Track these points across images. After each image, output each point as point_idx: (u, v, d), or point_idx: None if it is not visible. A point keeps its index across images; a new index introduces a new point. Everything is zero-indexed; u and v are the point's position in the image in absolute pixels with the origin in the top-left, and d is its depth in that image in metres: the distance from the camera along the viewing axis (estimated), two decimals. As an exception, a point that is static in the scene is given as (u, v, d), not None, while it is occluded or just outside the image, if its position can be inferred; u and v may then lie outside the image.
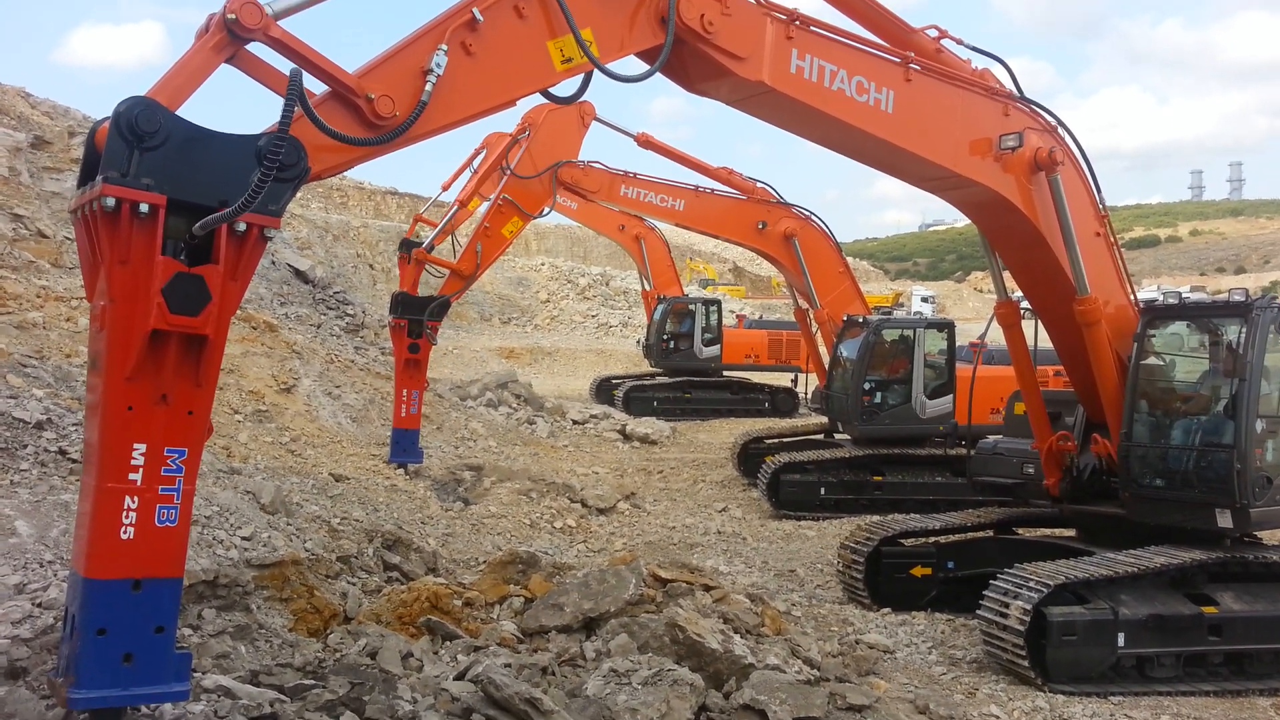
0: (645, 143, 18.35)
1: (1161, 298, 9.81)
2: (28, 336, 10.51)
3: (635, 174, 18.12)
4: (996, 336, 10.71)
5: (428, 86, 5.27)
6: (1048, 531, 10.59)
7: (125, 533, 4.19)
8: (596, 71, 6.13)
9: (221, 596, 6.25)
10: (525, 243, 54.79)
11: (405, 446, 13.27)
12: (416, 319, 13.38)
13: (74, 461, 7.06)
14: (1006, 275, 9.81)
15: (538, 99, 6.52)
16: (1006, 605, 7.76)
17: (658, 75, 6.60)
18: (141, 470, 4.22)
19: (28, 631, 5.16)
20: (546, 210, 16.60)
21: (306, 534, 7.98)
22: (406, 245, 26.57)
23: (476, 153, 23.12)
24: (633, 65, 6.63)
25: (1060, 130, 8.73)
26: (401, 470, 13.02)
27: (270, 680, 5.64)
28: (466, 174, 23.50)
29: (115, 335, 4.19)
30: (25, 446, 7.08)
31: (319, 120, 4.75)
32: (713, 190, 18.47)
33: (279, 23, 4.73)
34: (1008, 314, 9.79)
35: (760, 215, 17.78)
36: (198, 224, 4.27)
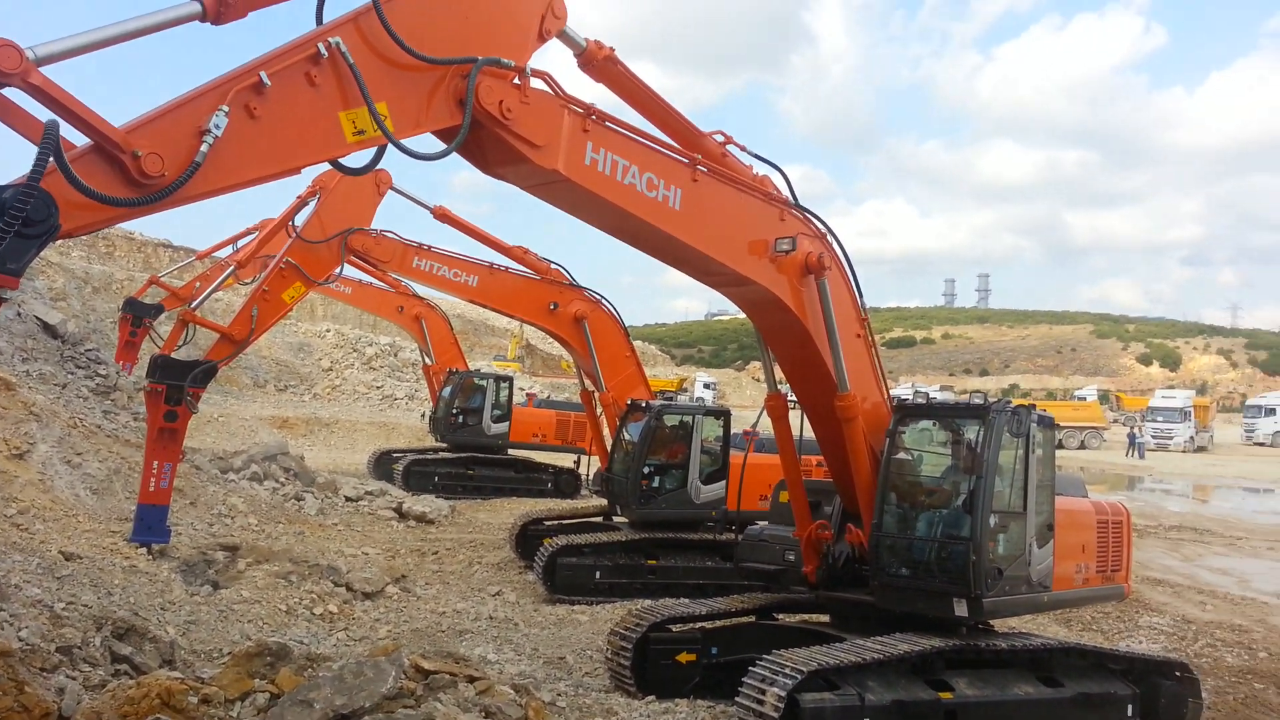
0: (442, 216, 18.25)
1: (913, 395, 10.58)
2: None
3: (429, 246, 17.93)
4: (769, 425, 11.22)
5: (203, 148, 5.04)
6: (805, 617, 11.03)
7: None
8: (391, 146, 6.08)
9: (-93, 694, 5.44)
10: (311, 307, 52.58)
11: (150, 524, 12.09)
12: (177, 384, 12.36)
13: None
14: (777, 369, 10.33)
15: (328, 164, 6.36)
16: (763, 692, 7.95)
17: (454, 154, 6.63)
18: None
19: None
20: (333, 278, 16.09)
21: (23, 620, 7.11)
22: (132, 305, 25.16)
23: (246, 233, 22.26)
24: (430, 141, 6.63)
25: (829, 237, 9.40)
26: (144, 550, 11.88)
27: (-40, 793, 4.92)
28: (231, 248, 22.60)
29: None
30: None
31: (73, 175, 4.42)
32: (507, 268, 18.57)
33: (41, 69, 4.42)
34: (776, 406, 10.27)
35: (552, 296, 17.99)
36: None
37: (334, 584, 12.96)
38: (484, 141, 6.85)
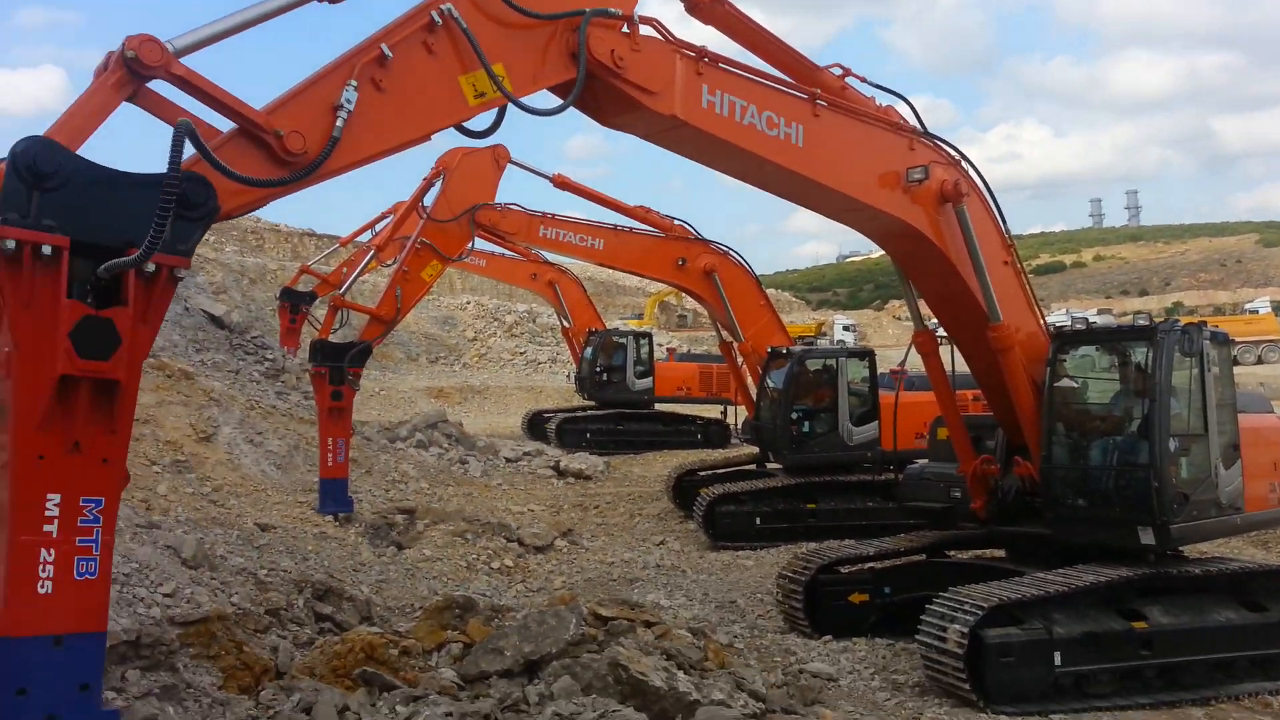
0: (561, 184, 18.31)
1: (1070, 322, 10.07)
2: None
3: (553, 215, 18.10)
4: (916, 362, 10.90)
5: (339, 122, 5.18)
6: (978, 553, 10.74)
7: (43, 587, 4.02)
8: (511, 105, 6.12)
9: (145, 657, 5.95)
10: (449, 281, 54.25)
11: (334, 496, 12.90)
12: (337, 366, 13.03)
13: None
14: (922, 304, 9.98)
15: (451, 140, 6.47)
16: (944, 629, 7.80)
17: (572, 109, 6.61)
18: (57, 521, 4.06)
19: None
20: (466, 253, 16.45)
21: (232, 588, 7.68)
22: (288, 294, 26.61)
23: (382, 217, 23.00)
24: (547, 99, 6.64)
25: (964, 164, 8.94)
26: (331, 517, 12.66)
27: (197, 743, 5.36)
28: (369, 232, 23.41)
29: (22, 382, 4.03)
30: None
31: (217, 162, 4.59)
32: (631, 229, 18.55)
33: (181, 59, 4.62)
34: (925, 342, 9.92)
35: (679, 252, 17.90)
36: (103, 266, 4.13)
37: (506, 540, 13.50)
38: (599, 93, 6.79)
